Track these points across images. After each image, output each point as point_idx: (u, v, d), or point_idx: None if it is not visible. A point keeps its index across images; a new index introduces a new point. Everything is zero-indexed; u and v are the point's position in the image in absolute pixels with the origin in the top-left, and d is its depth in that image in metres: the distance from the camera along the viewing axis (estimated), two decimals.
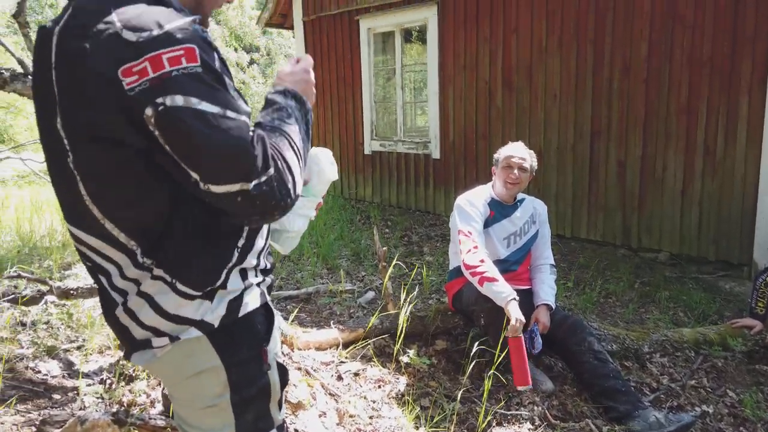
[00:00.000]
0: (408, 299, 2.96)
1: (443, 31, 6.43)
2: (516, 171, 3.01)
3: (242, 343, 1.13)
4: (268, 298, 1.21)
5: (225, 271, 1.08)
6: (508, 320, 2.64)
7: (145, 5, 0.95)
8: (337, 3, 7.48)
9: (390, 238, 5.86)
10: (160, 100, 0.88)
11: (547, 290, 3.03)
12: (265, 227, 1.21)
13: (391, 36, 7.16)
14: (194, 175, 0.94)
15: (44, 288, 2.83)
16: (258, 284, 1.18)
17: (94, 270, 1.11)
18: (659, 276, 4.68)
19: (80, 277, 4.02)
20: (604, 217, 5.44)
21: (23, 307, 2.86)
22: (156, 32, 0.89)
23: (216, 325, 1.09)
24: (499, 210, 3.09)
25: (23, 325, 2.81)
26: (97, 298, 3.00)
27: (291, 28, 8.54)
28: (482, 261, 2.82)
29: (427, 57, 6.68)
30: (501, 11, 5.87)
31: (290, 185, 1.00)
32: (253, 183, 0.94)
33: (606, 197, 5.40)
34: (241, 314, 1.12)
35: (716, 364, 3.10)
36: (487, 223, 3.05)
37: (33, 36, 2.81)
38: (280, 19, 8.60)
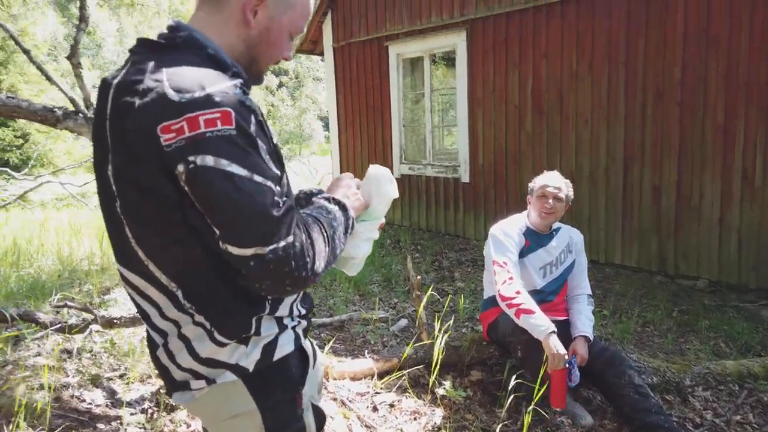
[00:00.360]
0: (442, 330, 2.95)
1: (472, 56, 6.48)
2: (551, 201, 2.99)
3: (276, 387, 1.15)
4: (304, 341, 1.23)
5: (255, 320, 1.11)
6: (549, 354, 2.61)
7: (195, 66, 0.99)
8: (367, 30, 7.60)
9: (420, 263, 5.86)
10: (191, 158, 0.92)
11: (584, 321, 2.99)
12: None
13: (420, 60, 7.24)
14: (217, 233, 0.97)
15: (89, 317, 2.91)
16: (293, 327, 1.19)
17: (139, 310, 1.16)
18: (698, 304, 4.58)
19: (119, 302, 4.11)
20: (638, 243, 5.36)
21: (68, 335, 2.93)
22: (197, 94, 0.93)
23: (251, 370, 1.11)
24: (535, 239, 3.08)
25: (68, 353, 2.88)
26: (138, 327, 3.06)
27: (321, 54, 8.70)
28: (518, 292, 2.80)
29: (456, 81, 6.73)
30: (531, 36, 5.89)
31: (309, 260, 1.00)
32: (270, 247, 0.94)
33: (640, 222, 5.32)
34: (275, 358, 1.14)
35: (762, 399, 3.00)
36: (523, 253, 3.03)
37: (83, 75, 2.94)
38: (311, 46, 8.77)
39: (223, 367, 1.10)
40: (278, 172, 1.00)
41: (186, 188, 0.95)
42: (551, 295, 3.08)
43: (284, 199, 0.99)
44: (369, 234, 1.34)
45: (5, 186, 11.72)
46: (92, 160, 1.14)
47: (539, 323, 2.68)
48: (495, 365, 3.24)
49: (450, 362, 3.14)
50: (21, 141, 17.46)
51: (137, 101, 0.97)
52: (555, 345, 2.62)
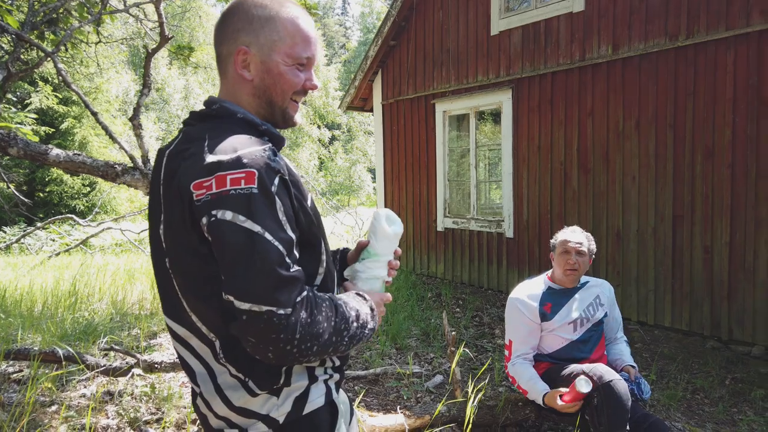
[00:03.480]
0: (476, 388, 2.91)
1: (518, 113, 6.56)
2: (574, 256, 2.97)
3: None
4: (335, 395, 1.24)
5: (284, 370, 1.14)
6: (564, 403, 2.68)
7: (235, 135, 1.09)
8: (415, 88, 7.85)
9: (461, 318, 5.80)
10: (214, 212, 1.00)
11: (628, 355, 3.06)
12: None
13: (466, 117, 7.38)
14: (224, 282, 1.02)
15: (132, 360, 3.03)
16: (325, 381, 1.22)
17: (182, 361, 1.22)
18: (753, 372, 4.32)
19: (164, 347, 4.24)
20: (690, 306, 5.14)
21: (113, 377, 3.05)
22: (228, 156, 1.03)
23: (281, 422, 1.14)
24: (558, 299, 3.03)
25: (110, 395, 3.00)
26: (178, 372, 3.15)
27: (371, 110, 8.99)
28: (517, 374, 2.92)
29: (502, 138, 6.80)
30: (576, 96, 5.94)
31: (298, 337, 1.00)
32: (266, 308, 0.98)
33: (692, 284, 5.12)
34: (305, 412, 1.16)
35: None
36: (546, 317, 2.99)
37: (143, 134, 3.19)
38: (361, 103, 9.09)
39: (255, 418, 1.14)
40: (292, 236, 1.05)
41: (209, 239, 1.03)
42: (588, 353, 3.00)
43: (293, 265, 1.03)
44: (370, 272, 1.32)
45: (70, 231, 12.41)
46: (148, 220, 1.25)
47: (536, 395, 2.80)
48: (531, 427, 3.14)
49: (484, 422, 3.07)
50: (88, 189, 18.58)
51: (181, 164, 1.08)
52: (552, 399, 2.70)
